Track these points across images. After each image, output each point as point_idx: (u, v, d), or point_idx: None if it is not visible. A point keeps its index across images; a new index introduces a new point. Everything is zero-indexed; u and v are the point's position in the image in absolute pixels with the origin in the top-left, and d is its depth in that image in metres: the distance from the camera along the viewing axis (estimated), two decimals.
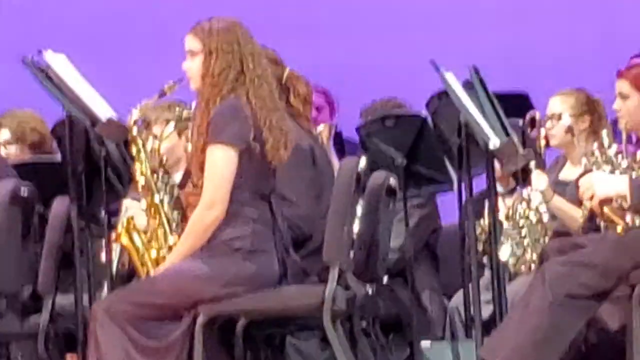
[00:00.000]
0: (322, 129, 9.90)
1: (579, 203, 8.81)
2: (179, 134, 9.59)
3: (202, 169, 8.45)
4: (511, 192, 9.79)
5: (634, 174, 8.22)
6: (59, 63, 8.61)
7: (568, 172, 9.54)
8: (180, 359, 8.20)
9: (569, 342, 7.59)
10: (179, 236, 8.68)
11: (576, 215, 8.89)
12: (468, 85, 8.46)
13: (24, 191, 8.70)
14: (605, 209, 8.18)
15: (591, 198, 8.23)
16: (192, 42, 8.61)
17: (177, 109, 9.53)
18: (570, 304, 7.56)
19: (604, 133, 8.93)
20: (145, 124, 9.06)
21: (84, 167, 8.76)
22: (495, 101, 8.55)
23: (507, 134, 8.52)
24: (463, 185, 9.22)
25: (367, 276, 8.75)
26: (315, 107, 9.88)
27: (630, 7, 14.01)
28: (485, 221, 9.07)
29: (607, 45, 12.53)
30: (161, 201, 9.00)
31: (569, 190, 9.09)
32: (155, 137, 9.27)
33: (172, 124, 9.38)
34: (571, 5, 14.67)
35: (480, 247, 9.08)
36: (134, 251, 9.03)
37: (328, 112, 10.77)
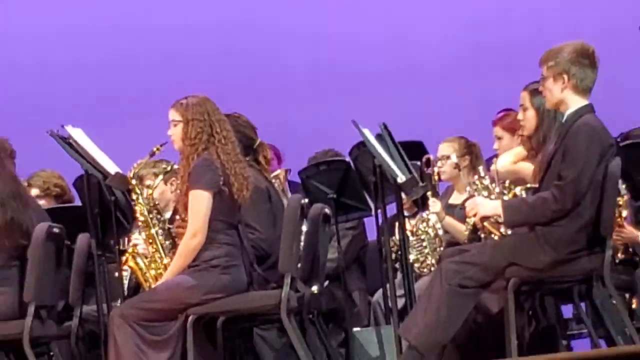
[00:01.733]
0: (278, 172, 10.04)
1: (463, 221, 9.16)
2: (165, 182, 9.69)
3: (186, 208, 8.64)
4: (414, 215, 9.86)
5: (505, 197, 8.48)
6: (77, 134, 8.80)
7: (455, 198, 9.79)
8: (177, 348, 8.39)
9: (462, 320, 7.75)
10: (171, 259, 8.84)
11: (462, 229, 9.28)
12: (379, 137, 8.59)
13: (56, 230, 8.74)
14: (486, 224, 8.32)
15: (474, 215, 8.45)
16: (173, 115, 8.81)
17: (163, 165, 9.63)
18: (461, 292, 7.73)
19: (480, 168, 9.10)
20: (139, 178, 9.16)
21: (99, 210, 8.93)
22: (400, 148, 8.66)
23: (410, 172, 8.65)
24: (379, 211, 9.32)
25: (312, 281, 8.88)
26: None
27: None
28: (396, 237, 9.15)
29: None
30: (156, 233, 9.16)
31: (457, 212, 9.40)
32: (148, 187, 9.38)
33: (160, 177, 9.47)
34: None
35: (394, 256, 9.12)
36: (138, 271, 9.26)
37: (277, 162, 11.01)
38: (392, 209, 9.25)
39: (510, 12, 14.47)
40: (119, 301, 9.20)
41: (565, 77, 7.96)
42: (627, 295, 8.63)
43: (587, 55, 8.07)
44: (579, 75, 7.98)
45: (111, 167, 8.85)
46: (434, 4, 15.76)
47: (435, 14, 15.56)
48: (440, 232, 9.59)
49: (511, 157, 9.09)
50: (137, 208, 9.17)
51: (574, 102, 7.97)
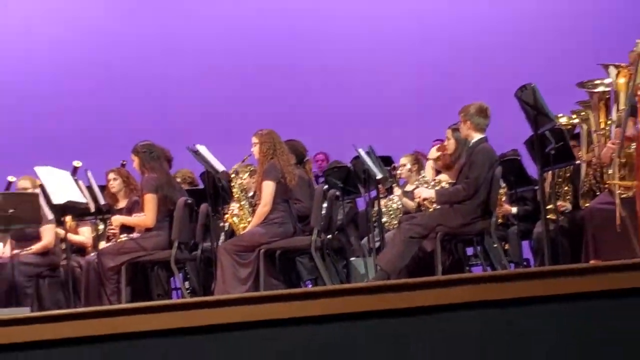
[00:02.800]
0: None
1: (413, 200, 9.19)
2: (250, 176, 9.49)
3: (261, 190, 8.77)
4: (386, 196, 9.89)
5: (436, 188, 8.75)
6: (202, 148, 8.80)
7: (408, 188, 9.61)
8: (254, 268, 8.50)
9: (410, 256, 8.14)
10: (252, 218, 8.95)
11: (412, 205, 9.29)
12: (368, 153, 8.79)
13: (189, 201, 9.00)
14: (425, 202, 8.61)
15: (419, 198, 8.74)
16: (254, 139, 8.88)
17: (249, 167, 9.60)
18: (411, 240, 8.11)
19: (422, 172, 9.58)
20: (236, 173, 9.20)
21: (212, 191, 9.03)
22: (379, 160, 9.02)
23: (384, 173, 9.03)
24: (366, 194, 9.66)
25: (328, 231, 8.96)
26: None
27: None
28: (375, 208, 9.29)
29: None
30: (244, 204, 9.25)
31: (409, 196, 9.31)
32: (241, 178, 9.33)
33: (247, 173, 9.51)
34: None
35: (374, 219, 9.41)
36: (233, 224, 9.34)
37: (326, 162, 11.08)
38: (373, 194, 9.51)
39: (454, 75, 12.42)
40: (222, 240, 9.15)
41: (469, 122, 8.28)
42: (503, 243, 8.88)
43: (483, 110, 8.35)
44: (476, 121, 8.27)
45: (220, 167, 8.92)
46: None
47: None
48: (400, 206, 9.74)
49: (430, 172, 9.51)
50: (234, 190, 9.24)
51: (475, 136, 8.29)
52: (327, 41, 12.64)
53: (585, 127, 8.17)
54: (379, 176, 8.98)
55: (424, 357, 3.48)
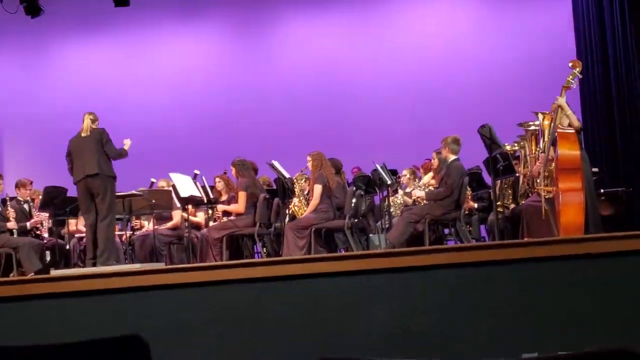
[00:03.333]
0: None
1: (410, 197, 9.13)
2: (305, 182, 9.23)
3: (312, 190, 8.62)
4: (394, 194, 9.51)
5: (426, 190, 8.70)
6: (276, 163, 8.73)
7: (408, 190, 9.29)
8: (307, 241, 8.36)
9: (409, 233, 8.04)
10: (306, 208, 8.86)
11: (410, 201, 9.09)
12: (382, 167, 8.63)
13: (267, 196, 8.80)
14: (418, 199, 8.70)
15: (415, 196, 8.82)
16: (309, 157, 8.70)
17: (305, 175, 9.24)
18: (409, 223, 8.03)
19: (417, 180, 9.48)
20: (296, 179, 9.13)
21: (282, 190, 8.82)
22: (389, 171, 8.82)
23: (391, 179, 8.98)
24: (380, 193, 9.32)
25: (356, 217, 8.72)
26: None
27: None
28: (386, 203, 9.04)
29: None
30: (301, 199, 9.12)
31: (408, 194, 9.15)
32: (300, 182, 9.24)
33: (304, 179, 9.24)
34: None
35: (385, 209, 9.13)
36: (295, 211, 9.16)
37: (357, 171, 10.46)
38: (384, 193, 9.15)
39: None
40: (287, 222, 8.87)
41: (448, 148, 8.17)
42: (468, 226, 8.53)
43: (456, 140, 8.23)
44: (452, 147, 8.16)
45: (286, 174, 8.78)
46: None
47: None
48: (402, 201, 9.49)
49: (426, 178, 9.35)
50: (296, 190, 9.08)
51: (451, 157, 8.16)
52: (359, 89, 12.35)
53: (522, 152, 8.25)
54: (389, 182, 8.91)
55: (416, 297, 3.50)
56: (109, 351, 2.18)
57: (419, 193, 8.94)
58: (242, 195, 8.95)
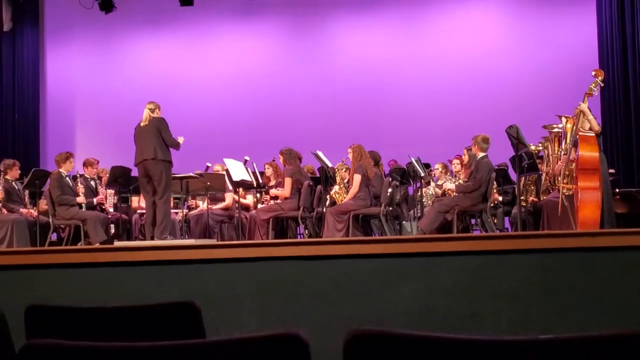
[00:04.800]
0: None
1: (441, 189, 9.11)
2: (346, 171, 9.06)
3: (352, 179, 8.56)
4: (425, 186, 9.37)
5: (456, 183, 8.73)
6: (320, 154, 8.65)
7: (439, 182, 9.21)
8: (346, 225, 8.34)
9: (439, 221, 8.01)
10: (346, 195, 8.73)
11: (440, 192, 9.07)
12: (417, 160, 8.64)
13: (310, 183, 8.77)
14: (449, 191, 8.67)
15: (445, 188, 8.82)
16: (350, 149, 8.67)
17: (345, 165, 9.09)
18: (440, 212, 8.01)
19: (447, 174, 9.44)
20: (338, 169, 9.08)
21: (325, 178, 8.73)
22: (422, 164, 8.82)
23: (424, 172, 9.02)
24: (414, 185, 9.23)
25: (391, 205, 8.68)
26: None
27: None
28: (419, 193, 9.02)
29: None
30: (342, 187, 8.99)
31: (439, 186, 9.09)
32: (341, 171, 9.10)
33: (344, 169, 9.07)
34: None
35: (419, 199, 9.13)
36: (335, 197, 9.01)
37: (393, 163, 10.43)
38: (417, 184, 9.08)
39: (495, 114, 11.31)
40: (327, 206, 8.74)
41: (477, 145, 8.11)
42: (493, 217, 8.45)
43: (485, 139, 8.15)
44: (481, 145, 8.09)
45: (329, 164, 8.73)
46: None
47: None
48: (433, 193, 9.37)
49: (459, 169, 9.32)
50: (337, 178, 9.02)
51: (480, 154, 8.10)
52: (398, 90, 12.30)
53: (546, 152, 8.18)
54: (422, 174, 8.93)
55: (442, 280, 3.49)
56: (166, 315, 2.23)
57: (449, 185, 8.91)
58: (288, 181, 8.95)
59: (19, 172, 8.83)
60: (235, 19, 12.73)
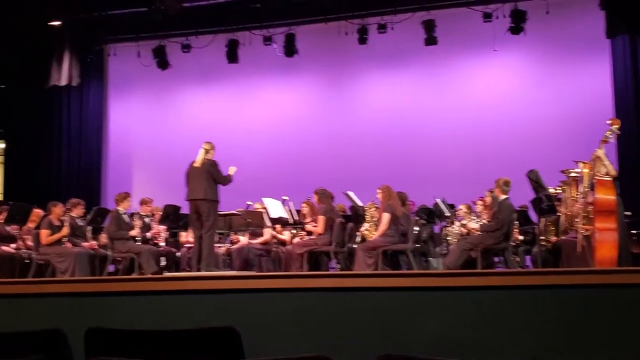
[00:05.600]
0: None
1: (465, 228, 8.90)
2: (375, 210, 8.86)
3: (381, 218, 8.47)
4: (450, 225, 9.19)
5: (480, 222, 8.57)
6: (351, 193, 8.75)
7: (464, 222, 8.94)
8: (375, 260, 8.17)
9: (464, 259, 7.90)
10: (375, 232, 8.63)
11: (465, 231, 8.85)
12: (442, 201, 8.90)
13: (342, 221, 8.73)
14: (473, 230, 8.54)
15: (470, 228, 8.71)
16: (379, 190, 8.64)
17: (375, 205, 8.86)
18: (464, 250, 7.93)
19: (470, 215, 9.16)
20: (368, 208, 8.95)
21: (355, 216, 8.74)
22: (447, 205, 8.80)
23: (449, 212, 9.02)
24: (440, 224, 9.27)
25: (417, 242, 8.59)
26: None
27: None
28: (443, 232, 9.06)
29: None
30: (371, 224, 8.84)
31: (463, 226, 8.86)
32: (371, 210, 8.93)
33: (373, 208, 8.88)
34: None
35: (443, 237, 9.10)
36: (366, 234, 8.84)
37: (414, 206, 10.04)
38: (443, 223, 9.10)
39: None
40: (358, 242, 8.73)
41: (499, 188, 8.05)
42: (515, 256, 8.23)
43: (507, 183, 8.09)
44: (503, 188, 8.03)
45: (360, 203, 8.66)
46: None
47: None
48: (458, 231, 9.14)
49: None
50: (367, 216, 8.84)
51: (502, 196, 8.03)
52: (423, 136, 12.28)
53: (564, 194, 8.06)
54: (447, 214, 8.90)
55: (466, 313, 3.45)
56: (210, 338, 2.30)
57: (473, 225, 8.82)
58: (321, 219, 8.93)
59: (84, 210, 9.08)
60: (276, 75, 12.95)
